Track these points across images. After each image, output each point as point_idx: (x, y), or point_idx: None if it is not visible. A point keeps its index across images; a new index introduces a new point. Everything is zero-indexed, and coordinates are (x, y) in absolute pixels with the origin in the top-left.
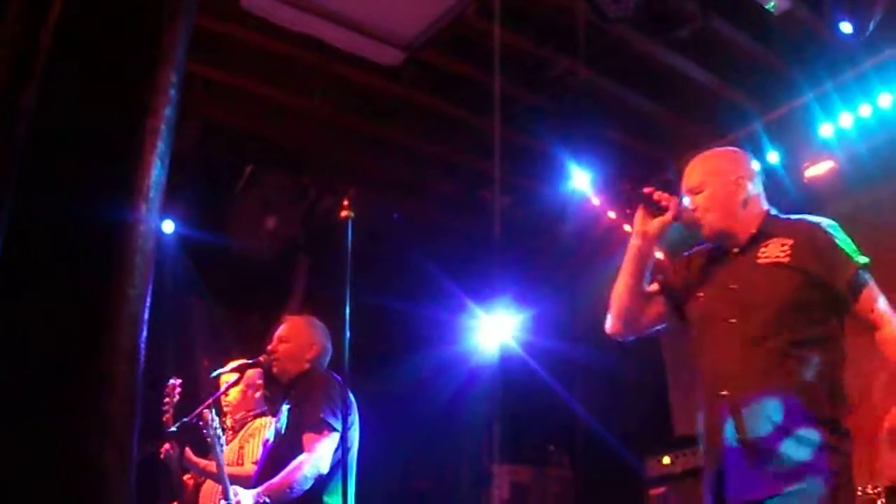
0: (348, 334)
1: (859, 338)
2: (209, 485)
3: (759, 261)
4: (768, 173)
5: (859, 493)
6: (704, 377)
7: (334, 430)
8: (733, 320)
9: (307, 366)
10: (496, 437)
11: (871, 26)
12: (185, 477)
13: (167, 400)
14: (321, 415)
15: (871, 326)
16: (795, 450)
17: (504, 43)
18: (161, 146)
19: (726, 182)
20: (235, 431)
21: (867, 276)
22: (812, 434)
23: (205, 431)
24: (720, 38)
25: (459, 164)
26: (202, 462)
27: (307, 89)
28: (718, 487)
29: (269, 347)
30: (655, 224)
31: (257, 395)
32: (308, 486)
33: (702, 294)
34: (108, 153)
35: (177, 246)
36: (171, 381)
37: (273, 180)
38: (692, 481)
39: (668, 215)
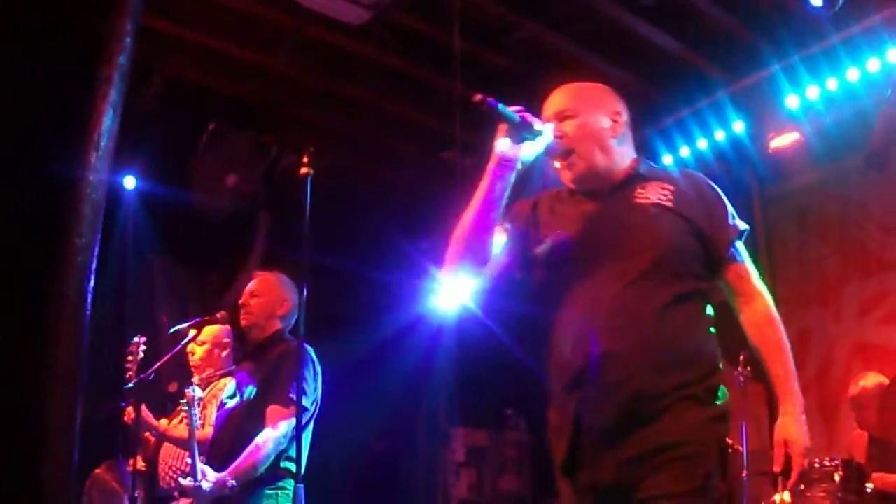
0: (305, 293)
1: (816, 309)
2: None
3: (637, 200)
4: (733, 143)
5: (816, 465)
6: (564, 327)
7: (303, 408)
8: (605, 263)
9: (278, 324)
10: (454, 400)
11: (841, 1)
12: (146, 433)
13: (130, 357)
14: (289, 391)
15: (743, 297)
16: (665, 408)
17: (469, 4)
18: (114, 95)
19: (603, 113)
20: (201, 390)
21: (742, 240)
22: (685, 392)
23: (184, 409)
24: (688, 6)
25: (422, 124)
26: (161, 426)
27: (272, 47)
28: (575, 438)
29: (241, 301)
30: (524, 149)
31: (224, 353)
32: (270, 462)
33: (563, 236)
34: (58, 101)
35: (138, 202)
36: (136, 338)
37: (235, 137)
38: None
39: (541, 140)
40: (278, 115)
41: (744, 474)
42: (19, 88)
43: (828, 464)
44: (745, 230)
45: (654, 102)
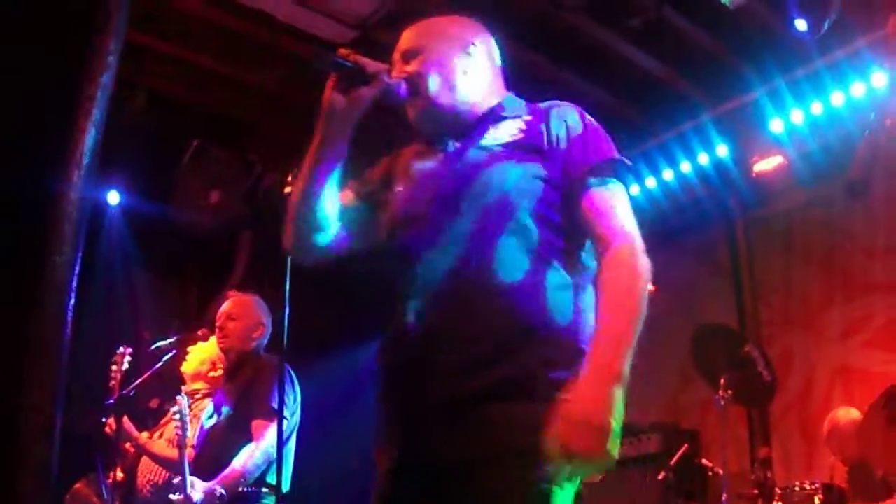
0: (287, 311)
1: (799, 332)
2: None
3: (484, 143)
4: (717, 166)
5: (797, 489)
6: (398, 301)
7: (283, 417)
8: (441, 222)
9: (252, 345)
10: None
11: (827, 25)
12: (126, 445)
13: (114, 368)
14: (270, 403)
15: (600, 242)
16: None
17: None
18: (97, 113)
19: (453, 46)
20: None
21: (615, 179)
22: (530, 382)
23: (175, 417)
24: (673, 29)
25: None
26: (141, 437)
27: (257, 65)
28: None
29: (218, 324)
30: (355, 97)
31: (215, 374)
32: (259, 473)
33: (401, 189)
34: (40, 119)
35: (121, 217)
36: (120, 349)
37: (219, 154)
38: (638, 469)
39: (375, 84)
40: (262, 133)
41: (724, 497)
42: (1, 106)
43: (808, 487)
44: (617, 160)
45: (638, 125)
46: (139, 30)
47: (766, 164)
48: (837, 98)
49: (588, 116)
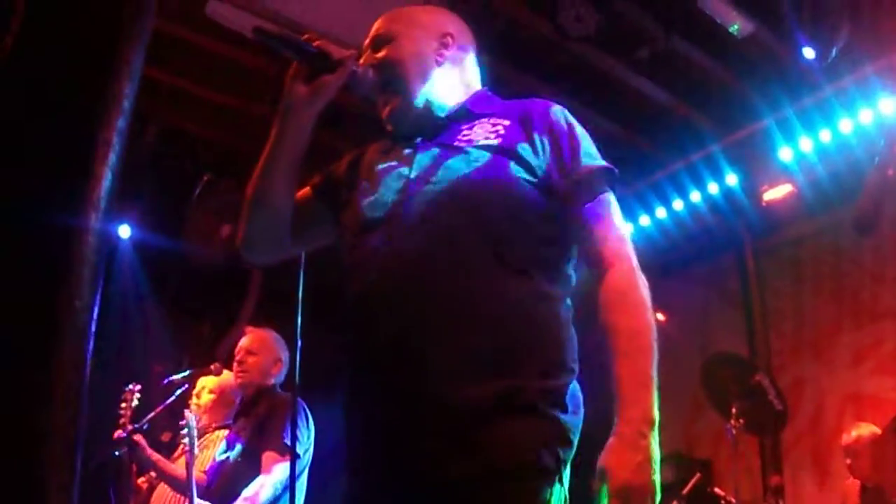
0: (300, 344)
1: (810, 360)
2: (162, 489)
3: (458, 139)
4: (727, 195)
5: None
6: (353, 313)
7: (296, 455)
8: (405, 221)
9: (270, 381)
10: None
11: (834, 53)
12: (140, 480)
13: (124, 405)
14: (284, 439)
15: (598, 264)
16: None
17: None
18: (113, 157)
19: (427, 34)
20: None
21: (607, 188)
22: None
23: (183, 432)
24: (681, 59)
25: None
26: (155, 455)
27: (266, 98)
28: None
29: (238, 358)
30: (317, 86)
31: (228, 410)
32: None
33: (365, 189)
34: (59, 164)
35: (132, 251)
36: (130, 386)
37: (230, 188)
38: None
39: (341, 72)
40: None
41: None
42: (17, 154)
43: None
44: (608, 169)
45: (647, 155)
46: (150, 64)
47: (775, 193)
48: (846, 125)
49: (570, 116)
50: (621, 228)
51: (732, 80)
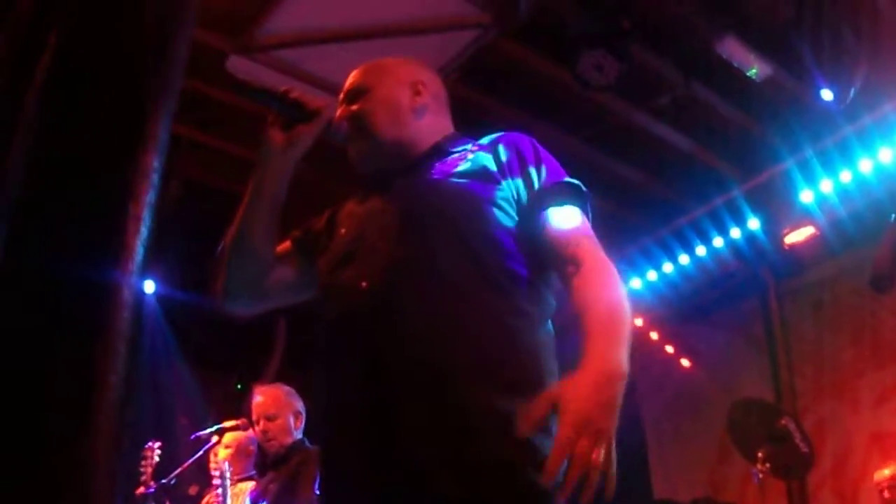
0: None
1: (833, 401)
2: None
3: (428, 176)
4: (749, 240)
5: None
6: (330, 337)
7: None
8: (384, 249)
9: (296, 435)
10: None
11: (852, 94)
12: None
13: (145, 462)
14: (314, 490)
15: (564, 264)
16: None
17: (483, 107)
18: (143, 231)
19: (399, 83)
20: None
21: (574, 200)
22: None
23: (216, 482)
24: (701, 105)
25: None
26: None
27: None
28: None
29: (260, 427)
30: (293, 135)
31: (247, 460)
32: None
33: (343, 231)
34: (90, 241)
35: (156, 306)
36: (150, 443)
37: None
38: None
39: (316, 122)
40: (297, 220)
41: None
42: (49, 234)
43: None
44: (575, 185)
45: (670, 202)
46: (173, 119)
47: (797, 236)
48: (865, 165)
49: (538, 145)
50: (591, 239)
51: (752, 124)
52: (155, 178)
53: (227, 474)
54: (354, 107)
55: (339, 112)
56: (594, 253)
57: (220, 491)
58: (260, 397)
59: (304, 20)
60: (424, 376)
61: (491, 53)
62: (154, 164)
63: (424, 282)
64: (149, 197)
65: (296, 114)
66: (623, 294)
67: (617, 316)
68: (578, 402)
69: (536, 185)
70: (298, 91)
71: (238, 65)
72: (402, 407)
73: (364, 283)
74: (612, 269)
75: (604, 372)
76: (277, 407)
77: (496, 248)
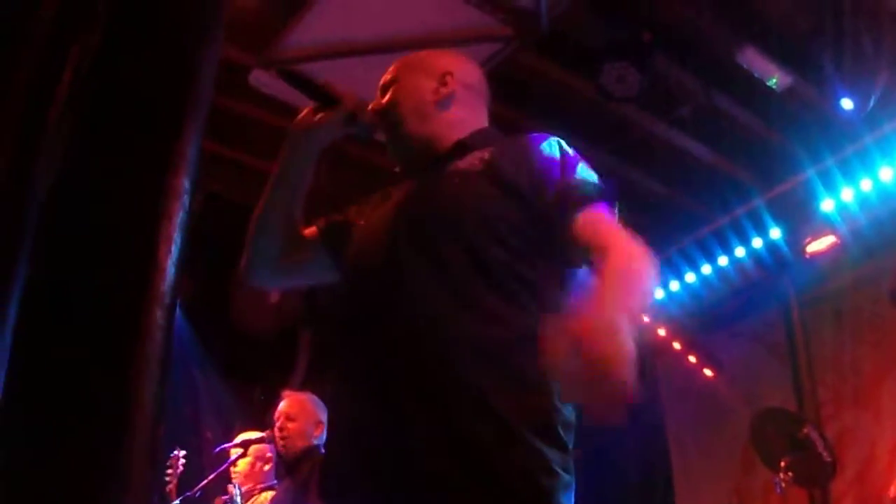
0: None
1: (855, 409)
2: None
3: (445, 174)
4: (771, 249)
5: None
6: (342, 339)
7: None
8: (388, 242)
9: (313, 442)
10: None
11: (872, 103)
12: None
13: (170, 471)
14: None
15: (595, 251)
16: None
17: (504, 119)
18: (175, 251)
19: (426, 75)
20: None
21: (601, 200)
22: (496, 439)
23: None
24: (721, 115)
25: None
26: None
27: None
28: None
29: (278, 425)
30: (321, 121)
31: (266, 468)
32: None
33: (362, 224)
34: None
35: (181, 318)
36: (175, 452)
37: None
38: None
39: (340, 110)
40: None
41: None
42: (82, 255)
43: None
44: (600, 186)
45: (692, 212)
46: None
47: (818, 245)
48: (886, 173)
49: (566, 146)
50: (620, 231)
51: (773, 134)
52: (186, 199)
53: (238, 500)
54: (384, 99)
55: (372, 105)
56: (627, 243)
57: None
58: (284, 401)
59: (326, 34)
60: (425, 382)
61: (512, 66)
62: (185, 185)
63: (428, 284)
64: (180, 218)
65: (327, 102)
66: (650, 279)
67: (632, 282)
68: (593, 334)
69: (562, 184)
70: (334, 86)
71: (261, 78)
72: (403, 412)
73: (370, 283)
74: (646, 256)
75: (616, 317)
76: (299, 410)
77: (506, 252)
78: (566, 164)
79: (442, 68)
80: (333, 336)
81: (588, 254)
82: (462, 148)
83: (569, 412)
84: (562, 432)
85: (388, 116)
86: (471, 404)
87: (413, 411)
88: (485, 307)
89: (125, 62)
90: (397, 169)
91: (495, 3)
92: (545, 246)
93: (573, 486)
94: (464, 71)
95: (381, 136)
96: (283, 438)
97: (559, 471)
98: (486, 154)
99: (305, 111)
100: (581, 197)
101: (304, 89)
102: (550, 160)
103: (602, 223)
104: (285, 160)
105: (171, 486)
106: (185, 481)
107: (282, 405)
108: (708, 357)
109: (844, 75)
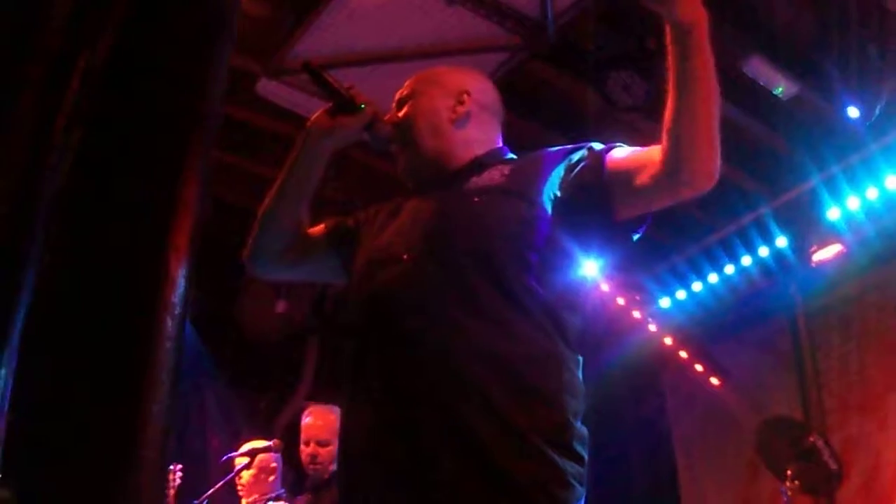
0: None
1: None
2: None
3: (466, 188)
4: (777, 258)
5: None
6: (354, 353)
7: None
8: (407, 257)
9: None
10: None
11: (878, 111)
12: None
13: (167, 485)
14: None
15: (645, 165)
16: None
17: (512, 127)
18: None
19: (444, 93)
20: None
21: (611, 146)
22: (518, 455)
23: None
24: (727, 123)
25: None
26: None
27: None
28: None
29: (310, 451)
30: (337, 123)
31: (271, 478)
32: None
33: (373, 238)
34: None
35: (188, 326)
36: (171, 466)
37: None
38: None
39: (359, 116)
40: None
41: None
42: (93, 266)
43: None
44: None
45: (699, 221)
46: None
47: (824, 253)
48: (892, 181)
49: (567, 147)
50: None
51: (779, 142)
52: (196, 210)
53: None
54: (400, 113)
55: (388, 116)
56: (656, 148)
57: None
58: (311, 419)
59: (334, 43)
60: (441, 395)
61: (520, 75)
62: (195, 196)
63: (444, 299)
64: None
65: (345, 105)
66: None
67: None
68: None
69: (578, 152)
70: (357, 90)
71: (269, 88)
72: (420, 426)
73: (389, 300)
74: None
75: None
76: (331, 433)
77: (523, 268)
78: (577, 143)
79: (459, 86)
80: (348, 349)
81: (633, 181)
82: (479, 165)
83: (581, 427)
84: (577, 445)
85: (404, 131)
86: (489, 418)
87: (432, 425)
88: (504, 325)
89: (136, 74)
90: (406, 181)
91: (503, 13)
92: (558, 258)
93: (584, 496)
94: (481, 90)
95: (394, 149)
96: (315, 464)
97: (574, 483)
98: (506, 169)
99: (320, 111)
100: (599, 151)
101: (326, 89)
102: (561, 149)
103: (632, 150)
104: (299, 155)
105: (168, 499)
106: (193, 491)
107: (308, 423)
108: (714, 365)
109: (850, 84)
